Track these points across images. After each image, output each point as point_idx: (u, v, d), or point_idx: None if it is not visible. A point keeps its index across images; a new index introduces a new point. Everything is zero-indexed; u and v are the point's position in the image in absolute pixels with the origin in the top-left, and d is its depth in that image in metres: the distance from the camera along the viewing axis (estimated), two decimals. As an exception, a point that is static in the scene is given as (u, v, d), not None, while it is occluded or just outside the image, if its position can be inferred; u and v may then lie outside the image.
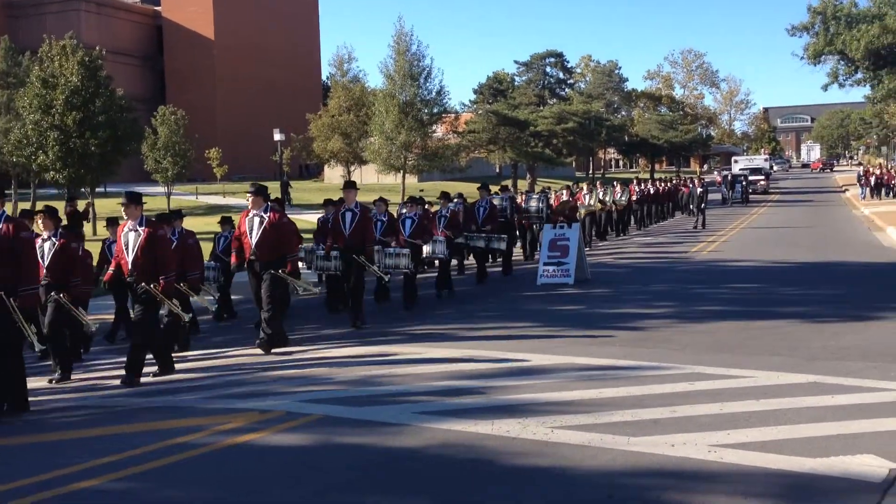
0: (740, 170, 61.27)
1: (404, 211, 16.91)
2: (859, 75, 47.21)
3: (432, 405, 8.02)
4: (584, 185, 30.82)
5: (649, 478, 5.85)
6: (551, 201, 23.72)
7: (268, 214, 11.61)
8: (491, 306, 15.21)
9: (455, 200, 19.35)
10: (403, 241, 15.04)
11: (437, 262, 16.88)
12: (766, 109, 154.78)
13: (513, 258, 20.85)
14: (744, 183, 50.30)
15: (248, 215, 11.76)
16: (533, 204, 22.10)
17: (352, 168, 56.50)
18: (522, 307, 14.93)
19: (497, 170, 78.19)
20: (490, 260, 21.34)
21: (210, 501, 5.86)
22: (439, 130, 56.35)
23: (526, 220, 22.66)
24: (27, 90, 36.52)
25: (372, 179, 67.41)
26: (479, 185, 20.44)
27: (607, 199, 29.38)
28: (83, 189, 37.40)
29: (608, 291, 16.46)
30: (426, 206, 17.72)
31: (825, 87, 49.11)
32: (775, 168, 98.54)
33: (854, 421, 6.88)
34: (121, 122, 36.73)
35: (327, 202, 17.09)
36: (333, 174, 68.43)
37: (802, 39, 47.27)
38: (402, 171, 48.42)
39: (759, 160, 74.90)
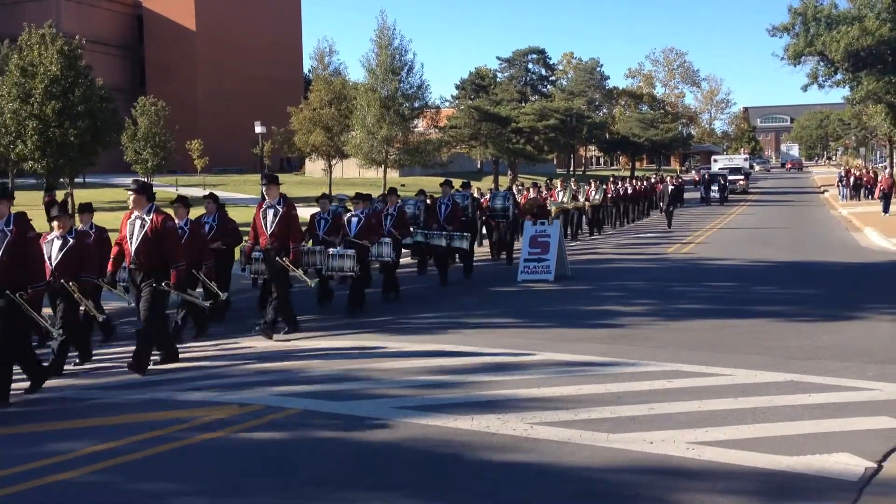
0: (719, 169, 61.59)
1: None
2: (839, 76, 47.50)
3: (411, 400, 8.02)
4: (558, 182, 30.42)
5: (628, 474, 5.88)
6: (518, 199, 23.52)
7: (150, 217, 10.20)
8: (471, 302, 15.19)
9: (416, 198, 18.83)
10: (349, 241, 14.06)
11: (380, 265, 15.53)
12: (746, 109, 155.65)
13: (478, 257, 20.36)
14: (722, 182, 50.55)
15: (129, 217, 10.35)
16: (499, 202, 21.83)
17: (333, 162, 56.33)
18: (502, 303, 14.95)
19: (478, 165, 78.21)
20: (453, 261, 19.69)
21: (189, 494, 5.83)
22: (420, 125, 56.26)
23: (493, 220, 22.08)
24: (6, 79, 36.18)
25: (353, 174, 67.34)
26: (441, 181, 19.39)
27: (580, 196, 29.27)
28: (62, 179, 37.09)
29: (588, 288, 16.50)
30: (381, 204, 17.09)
31: (805, 88, 49.40)
32: (756, 168, 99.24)
33: (831, 420, 6.93)
34: (100, 113, 36.46)
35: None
36: (315, 168, 68.23)
37: (783, 40, 47.63)
38: (383, 166, 48.36)
39: (739, 160, 75.41)
